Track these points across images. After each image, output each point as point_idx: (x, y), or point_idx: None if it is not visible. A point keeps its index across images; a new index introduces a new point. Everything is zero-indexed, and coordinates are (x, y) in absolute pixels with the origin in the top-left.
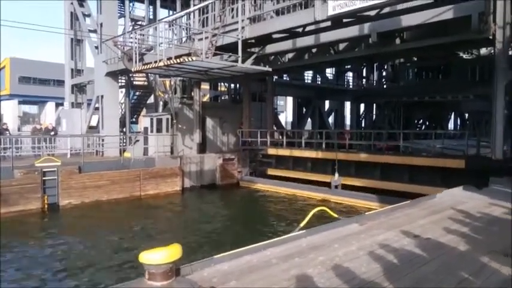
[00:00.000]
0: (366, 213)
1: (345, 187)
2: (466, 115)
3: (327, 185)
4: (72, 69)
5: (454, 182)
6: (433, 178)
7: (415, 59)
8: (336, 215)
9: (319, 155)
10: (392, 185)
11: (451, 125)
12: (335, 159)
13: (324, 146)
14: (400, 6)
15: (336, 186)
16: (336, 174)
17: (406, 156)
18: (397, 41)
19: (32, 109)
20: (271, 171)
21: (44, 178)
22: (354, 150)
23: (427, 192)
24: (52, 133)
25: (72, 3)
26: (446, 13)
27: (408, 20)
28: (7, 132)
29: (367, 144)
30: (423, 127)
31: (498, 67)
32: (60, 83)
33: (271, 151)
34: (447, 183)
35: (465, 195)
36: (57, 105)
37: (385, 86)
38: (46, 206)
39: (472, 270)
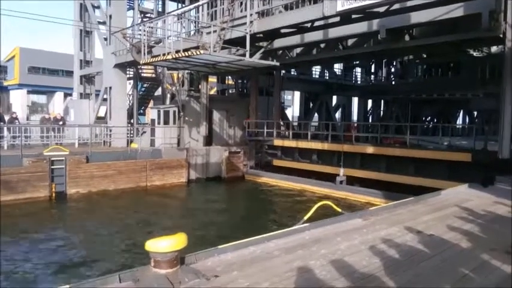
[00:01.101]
0: (370, 208)
1: (350, 179)
2: (475, 113)
3: (333, 176)
4: (81, 60)
5: (460, 175)
6: (439, 171)
7: (424, 55)
8: (339, 210)
9: (325, 146)
10: (398, 178)
11: (459, 123)
12: (341, 151)
13: (330, 138)
14: (409, 3)
15: (341, 182)
16: (341, 170)
17: (412, 149)
18: (406, 37)
19: (41, 99)
20: (276, 163)
21: (52, 167)
22: (360, 143)
23: (432, 185)
24: (60, 123)
25: None
26: (456, 11)
27: (418, 17)
28: (16, 121)
29: (374, 138)
30: (431, 124)
31: (507, 66)
32: (68, 73)
33: (277, 142)
34: (453, 177)
35: (470, 193)
36: (66, 95)
37: (393, 83)
38: (54, 194)
39: (473, 267)
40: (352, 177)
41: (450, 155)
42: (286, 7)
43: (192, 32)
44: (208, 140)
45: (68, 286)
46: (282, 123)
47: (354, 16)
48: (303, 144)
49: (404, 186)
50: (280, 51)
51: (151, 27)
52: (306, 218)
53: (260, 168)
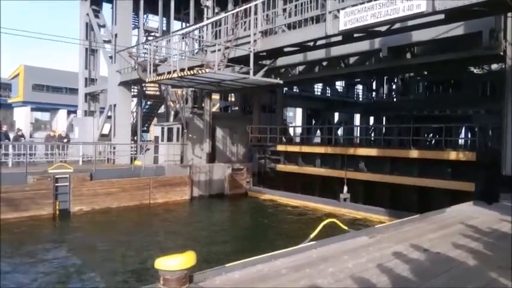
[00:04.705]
0: (375, 226)
1: (353, 182)
2: (476, 130)
3: (337, 180)
4: (86, 78)
5: (465, 176)
6: (443, 172)
7: (426, 72)
8: (345, 227)
9: (329, 150)
10: (402, 179)
11: (461, 140)
12: (344, 155)
13: (333, 141)
14: (410, 22)
15: (345, 199)
16: (345, 188)
17: (416, 150)
18: (408, 55)
19: (44, 116)
20: (280, 168)
21: (56, 184)
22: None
23: (436, 185)
24: (65, 140)
25: (87, 15)
26: (456, 29)
27: (419, 35)
28: (22, 138)
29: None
30: (433, 141)
31: (509, 83)
32: (72, 90)
33: (280, 147)
34: (457, 177)
35: (475, 210)
36: (69, 112)
37: (395, 99)
38: (57, 212)
39: (482, 285)
40: (357, 180)
41: (455, 155)
42: (289, 26)
43: (196, 51)
44: (211, 157)
45: None
46: (284, 139)
47: (356, 35)
48: (306, 148)
49: (409, 188)
50: (283, 69)
51: (157, 46)
52: (312, 236)
53: (263, 175)
